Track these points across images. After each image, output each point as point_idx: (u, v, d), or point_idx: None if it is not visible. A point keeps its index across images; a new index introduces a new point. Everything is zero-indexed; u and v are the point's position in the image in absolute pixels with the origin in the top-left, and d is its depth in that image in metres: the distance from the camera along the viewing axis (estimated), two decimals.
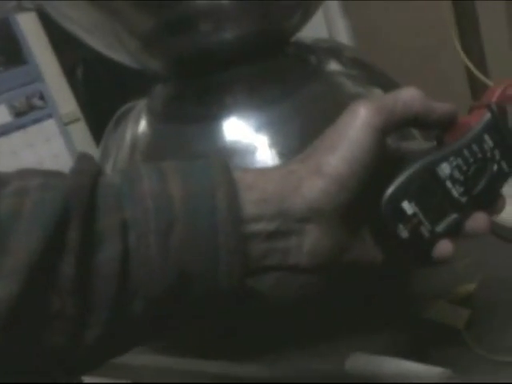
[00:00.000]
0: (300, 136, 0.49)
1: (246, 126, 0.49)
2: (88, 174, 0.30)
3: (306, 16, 0.52)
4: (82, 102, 1.32)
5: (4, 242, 0.26)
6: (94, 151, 1.37)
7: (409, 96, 0.33)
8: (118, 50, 0.53)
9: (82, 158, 0.31)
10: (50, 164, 1.27)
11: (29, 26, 1.23)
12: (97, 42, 0.54)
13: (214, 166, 0.32)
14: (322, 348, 0.48)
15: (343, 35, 0.90)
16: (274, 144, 0.48)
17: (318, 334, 0.48)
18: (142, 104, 0.57)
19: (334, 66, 0.54)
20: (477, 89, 0.76)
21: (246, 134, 0.49)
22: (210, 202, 0.30)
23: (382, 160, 0.33)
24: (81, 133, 1.33)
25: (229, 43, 0.49)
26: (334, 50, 0.58)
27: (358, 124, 0.32)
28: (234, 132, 0.49)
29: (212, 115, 0.50)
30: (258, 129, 0.49)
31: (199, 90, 0.52)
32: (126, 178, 0.31)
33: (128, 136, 0.55)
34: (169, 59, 0.52)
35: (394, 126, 0.33)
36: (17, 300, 0.26)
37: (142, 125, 0.54)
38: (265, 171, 0.34)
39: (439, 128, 0.34)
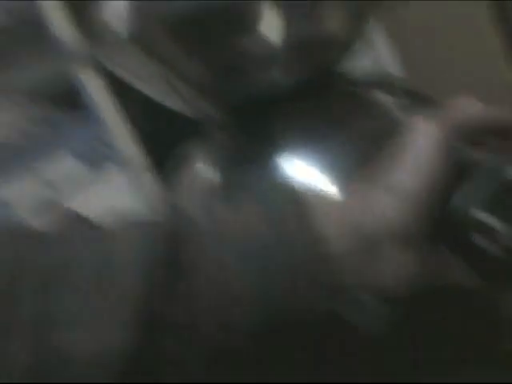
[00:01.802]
0: (347, 170, 0.49)
1: (300, 163, 0.51)
2: (173, 209, 0.33)
3: (348, 49, 0.53)
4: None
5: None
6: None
7: (471, 108, 0.34)
8: (169, 96, 0.55)
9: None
10: None
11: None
12: (148, 89, 0.57)
13: (283, 189, 0.35)
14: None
15: (387, 61, 0.90)
16: (327, 179, 0.49)
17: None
18: (197, 148, 0.59)
19: (384, 97, 0.55)
20: None
21: (299, 171, 0.50)
22: (285, 227, 0.31)
23: (448, 171, 0.33)
24: None
25: (279, 85, 0.50)
26: (383, 80, 0.59)
27: (421, 138, 0.33)
28: (288, 169, 0.51)
29: (266, 154, 0.51)
30: (312, 165, 0.50)
31: (252, 131, 0.54)
32: (207, 213, 0.34)
33: (189, 176, 0.57)
34: (220, 103, 0.54)
35: (457, 135, 0.33)
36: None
37: (197, 169, 0.57)
38: (333, 196, 0.35)
39: (498, 135, 0.34)
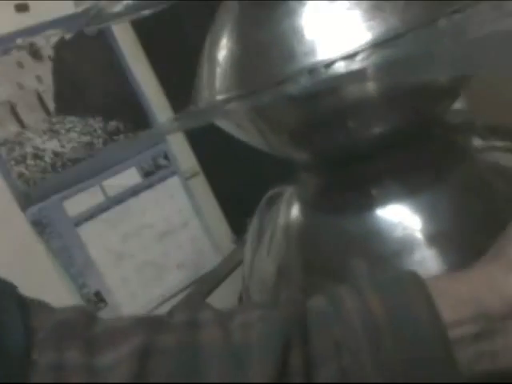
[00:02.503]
0: (450, 219, 0.50)
1: (397, 213, 0.51)
2: (298, 303, 0.33)
3: (454, 98, 0.52)
4: (202, 157, 1.41)
5: (241, 369, 0.30)
6: (214, 204, 1.45)
7: None
8: (260, 143, 0.56)
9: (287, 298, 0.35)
10: (175, 219, 1.36)
11: (153, 95, 1.34)
12: (237, 132, 0.57)
13: (407, 278, 0.34)
14: None
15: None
16: (426, 229, 0.49)
17: None
18: (291, 190, 0.60)
19: (478, 141, 0.55)
20: None
21: (397, 221, 0.50)
22: (411, 314, 0.31)
23: None
24: (200, 186, 1.42)
25: (376, 136, 0.50)
26: (471, 123, 0.58)
27: None
28: (385, 220, 0.51)
29: (362, 204, 0.52)
30: (409, 215, 0.50)
31: (347, 180, 0.54)
32: (330, 301, 0.34)
33: (281, 220, 0.58)
34: (314, 152, 0.54)
35: None
36: None
37: (294, 211, 0.57)
38: (455, 275, 0.35)
39: None
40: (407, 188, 0.51)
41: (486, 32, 0.37)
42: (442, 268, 0.47)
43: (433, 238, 0.49)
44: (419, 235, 0.49)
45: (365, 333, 0.31)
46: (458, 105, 0.65)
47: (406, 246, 0.49)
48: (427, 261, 0.48)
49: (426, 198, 0.50)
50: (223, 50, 0.50)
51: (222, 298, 1.06)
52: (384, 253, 0.50)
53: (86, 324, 0.33)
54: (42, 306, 0.35)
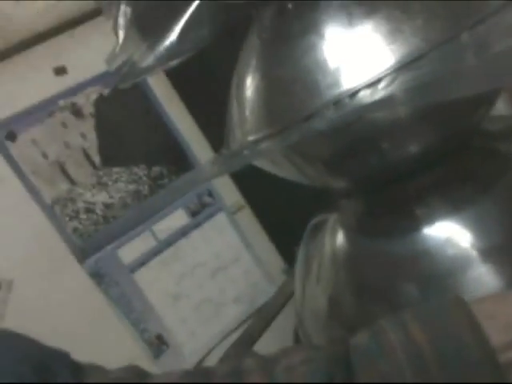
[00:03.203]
0: (501, 231, 0.48)
1: (444, 230, 0.49)
2: (341, 341, 0.33)
3: (490, 106, 0.51)
4: (246, 190, 1.42)
5: None
6: (263, 236, 1.45)
7: None
8: (297, 176, 0.56)
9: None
10: (226, 254, 1.37)
11: (191, 136, 1.37)
12: (273, 169, 0.57)
13: (449, 304, 0.33)
14: None
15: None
16: (478, 244, 0.48)
17: None
18: (334, 217, 0.60)
19: None
20: None
21: (444, 239, 0.49)
22: (457, 341, 0.31)
23: None
24: (247, 219, 1.42)
25: (412, 155, 0.50)
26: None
27: None
28: (433, 239, 0.49)
29: (407, 225, 0.51)
30: (457, 232, 0.49)
31: (389, 203, 0.53)
32: (373, 336, 0.33)
33: (327, 248, 0.58)
34: (350, 179, 0.54)
35: None
36: None
37: (339, 239, 0.57)
38: (501, 296, 0.34)
39: None
40: (451, 203, 0.50)
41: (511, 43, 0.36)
42: (499, 283, 0.46)
43: (486, 253, 0.47)
44: (471, 251, 0.48)
45: (409, 363, 0.31)
46: (497, 110, 0.64)
47: (457, 263, 0.48)
48: (483, 277, 0.46)
49: (473, 212, 0.49)
50: (249, 88, 0.51)
51: (279, 329, 1.05)
52: (435, 272, 0.48)
53: (136, 382, 0.34)
54: (95, 368, 0.36)
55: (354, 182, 0.54)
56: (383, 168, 0.51)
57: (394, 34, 0.43)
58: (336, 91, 0.43)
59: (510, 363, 0.30)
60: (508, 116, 0.74)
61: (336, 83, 0.43)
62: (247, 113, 0.50)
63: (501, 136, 0.55)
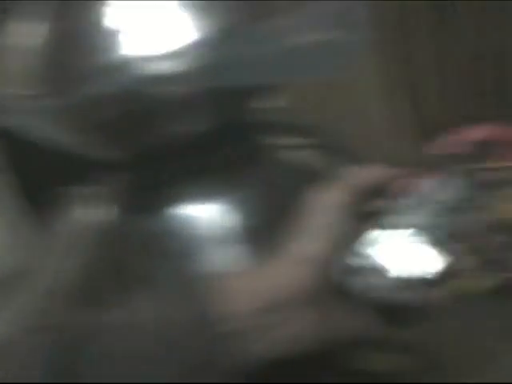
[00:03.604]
0: (256, 214, 0.50)
1: (200, 211, 0.50)
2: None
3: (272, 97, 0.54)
4: None
5: None
6: (14, 202, 1.28)
7: (368, 171, 0.37)
8: (63, 141, 0.52)
9: None
10: None
11: None
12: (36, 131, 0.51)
13: (194, 279, 0.35)
14: None
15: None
16: (228, 225, 0.50)
17: None
18: (90, 189, 0.56)
19: (281, 140, 0.57)
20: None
21: (200, 219, 0.50)
22: (201, 316, 0.32)
23: (354, 231, 0.36)
24: None
25: (184, 135, 0.50)
26: (274, 121, 0.60)
27: (326, 206, 0.35)
28: (187, 219, 0.50)
29: (163, 204, 0.51)
30: (214, 211, 0.51)
31: (149, 180, 0.52)
32: (122, 311, 0.34)
33: (81, 221, 0.54)
34: (118, 148, 0.52)
35: (360, 200, 0.36)
36: None
37: (94, 212, 0.54)
38: (248, 270, 0.37)
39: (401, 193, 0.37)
40: (210, 185, 0.51)
41: (303, 40, 0.38)
42: (252, 263, 0.47)
43: (238, 234, 0.49)
44: (225, 232, 0.49)
45: (157, 338, 0.31)
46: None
47: (212, 243, 0.49)
48: (234, 257, 0.48)
49: (230, 194, 0.51)
50: (29, 37, 0.44)
51: None
52: (189, 251, 0.49)
53: None
54: None
55: (120, 154, 0.52)
56: (152, 143, 0.50)
57: (197, 10, 0.42)
58: (124, 56, 0.40)
59: (250, 331, 0.33)
60: (269, 108, 0.79)
61: (127, 48, 0.41)
62: (22, 64, 0.43)
63: (261, 127, 0.57)
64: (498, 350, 0.50)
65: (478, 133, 0.38)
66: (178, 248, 0.49)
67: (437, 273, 0.35)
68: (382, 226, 0.36)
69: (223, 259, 0.48)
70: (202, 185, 0.51)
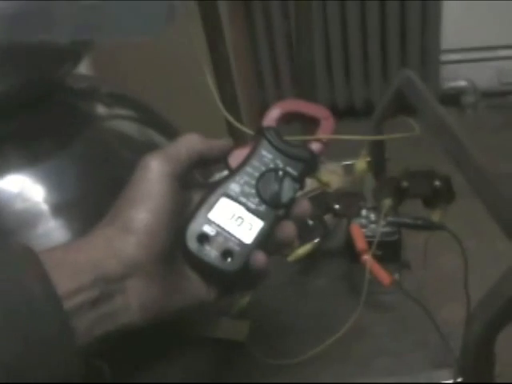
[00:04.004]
0: (77, 186, 0.48)
1: (19, 182, 0.46)
2: None
3: (77, 61, 0.50)
4: None
5: None
6: None
7: (189, 141, 0.37)
8: None
9: None
10: None
11: None
12: None
13: (16, 252, 0.31)
14: None
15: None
16: (50, 199, 0.46)
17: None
18: None
19: (102, 108, 0.54)
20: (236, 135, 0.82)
21: (16, 192, 0.46)
22: (22, 290, 0.29)
23: (182, 200, 0.36)
24: None
25: None
26: (96, 90, 0.58)
27: (152, 176, 0.35)
28: (3, 192, 0.46)
29: None
30: (33, 185, 0.46)
31: None
32: None
33: None
34: None
35: (184, 168, 0.36)
36: None
37: None
38: (75, 242, 0.34)
39: (222, 160, 0.39)
40: (26, 156, 0.48)
41: None
42: (70, 238, 0.46)
43: (57, 209, 0.47)
44: (43, 206, 0.47)
45: None
46: (82, 70, 0.64)
47: (27, 218, 0.46)
48: (53, 232, 0.46)
49: (48, 166, 0.48)
50: None
51: None
52: (4, 227, 0.45)
53: None
54: None
55: None
56: None
57: None
58: None
59: (77, 307, 0.31)
60: (90, 76, 0.76)
61: None
62: None
63: (83, 95, 0.56)
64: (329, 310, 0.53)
65: (282, 107, 0.41)
66: None
67: (256, 239, 0.36)
68: (214, 194, 0.37)
69: (42, 233, 0.45)
70: (11, 156, 0.46)
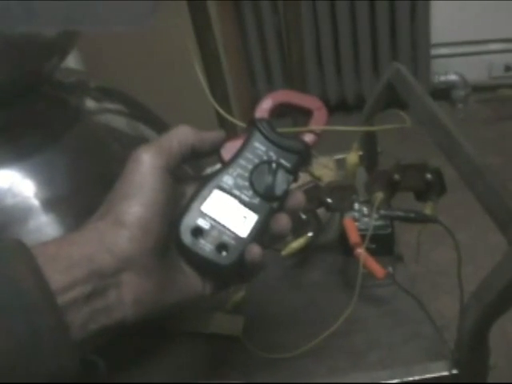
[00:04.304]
0: (68, 180, 0.48)
1: (8, 177, 0.46)
2: None
3: (64, 55, 0.50)
4: None
5: None
6: None
7: (181, 133, 0.36)
8: None
9: None
10: None
11: None
12: None
13: (8, 247, 0.30)
14: None
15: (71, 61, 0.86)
16: (41, 194, 0.46)
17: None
18: None
19: (91, 103, 0.54)
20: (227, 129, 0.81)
21: (8, 187, 0.45)
22: (14, 285, 0.29)
23: (175, 193, 0.36)
24: None
25: None
26: (85, 84, 0.57)
27: (143, 169, 0.34)
28: None
29: None
30: (22, 180, 0.46)
31: None
32: None
33: None
34: None
35: (176, 161, 0.35)
36: None
37: None
38: (67, 237, 0.33)
39: (215, 153, 0.38)
40: (16, 151, 0.47)
41: None
42: (61, 233, 0.45)
43: (48, 203, 0.47)
44: (33, 201, 0.46)
45: None
46: (71, 64, 0.63)
47: (18, 214, 0.45)
48: (44, 227, 0.45)
49: (38, 161, 0.48)
50: None
51: None
52: None
53: None
54: None
55: None
56: None
57: None
58: None
59: (71, 302, 0.30)
60: (79, 70, 0.76)
61: None
62: None
63: (72, 89, 0.55)
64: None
65: (274, 98, 0.41)
66: None
67: (251, 232, 0.36)
68: (208, 188, 0.36)
69: (33, 229, 0.45)
70: (5, 148, 0.46)
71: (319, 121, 0.41)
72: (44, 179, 0.47)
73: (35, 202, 0.46)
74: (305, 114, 0.41)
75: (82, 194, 0.48)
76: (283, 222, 0.37)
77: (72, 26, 0.41)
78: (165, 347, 0.51)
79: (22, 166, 0.47)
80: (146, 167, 0.34)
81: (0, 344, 0.28)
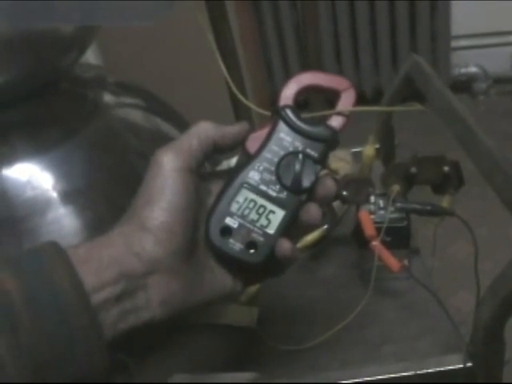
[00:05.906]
0: (85, 174, 0.48)
1: (28, 171, 0.46)
2: None
3: (83, 50, 0.50)
4: None
5: None
6: None
7: (201, 130, 0.35)
8: None
9: None
10: None
11: None
12: None
13: (44, 249, 0.31)
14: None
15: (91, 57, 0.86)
16: (59, 186, 0.47)
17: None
18: None
19: (109, 97, 0.54)
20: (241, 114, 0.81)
21: (28, 180, 0.46)
22: (50, 286, 0.29)
23: (200, 192, 0.35)
24: None
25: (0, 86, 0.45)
26: (103, 79, 0.57)
27: (163, 173, 0.34)
28: (12, 180, 0.46)
29: None
30: (41, 173, 0.47)
31: None
32: None
33: None
34: None
35: (197, 160, 0.35)
36: None
37: None
38: (96, 240, 0.33)
39: (238, 146, 0.37)
40: (35, 145, 0.48)
41: None
42: (78, 225, 0.46)
43: (66, 196, 0.47)
44: (51, 194, 0.47)
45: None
46: (90, 59, 0.64)
47: (37, 206, 0.46)
48: (62, 219, 0.46)
49: (57, 154, 0.48)
50: None
51: None
52: (14, 214, 0.46)
53: None
54: None
55: None
56: None
57: None
58: None
59: (102, 303, 0.31)
60: (98, 65, 0.76)
61: None
62: None
63: (90, 84, 0.56)
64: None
65: (299, 82, 0.38)
66: (4, 213, 0.45)
67: (279, 228, 0.35)
68: (234, 185, 0.36)
69: (51, 221, 0.45)
70: (20, 144, 0.47)
71: (347, 102, 0.38)
72: (63, 172, 0.48)
73: (54, 195, 0.47)
74: (332, 96, 0.39)
75: (100, 186, 0.48)
76: (313, 212, 0.36)
77: (89, 22, 0.42)
78: (181, 338, 0.51)
79: (42, 159, 0.47)
80: (167, 170, 0.34)
81: (34, 343, 0.28)
